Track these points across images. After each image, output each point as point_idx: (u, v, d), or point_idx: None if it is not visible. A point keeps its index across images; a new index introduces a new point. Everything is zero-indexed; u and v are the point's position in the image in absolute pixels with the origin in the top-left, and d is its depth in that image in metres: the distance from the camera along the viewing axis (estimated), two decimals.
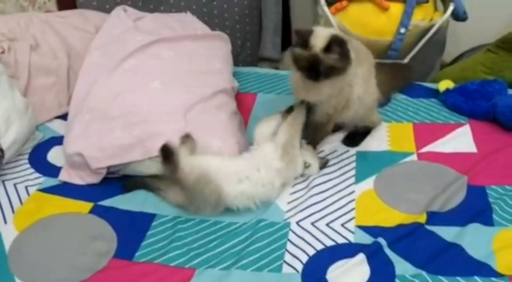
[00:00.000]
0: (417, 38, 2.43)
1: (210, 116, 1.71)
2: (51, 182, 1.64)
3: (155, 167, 1.59)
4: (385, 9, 2.33)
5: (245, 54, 2.73)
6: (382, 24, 2.36)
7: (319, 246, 1.40)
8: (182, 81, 1.80)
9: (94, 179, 1.62)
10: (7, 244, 1.40)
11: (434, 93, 2.08)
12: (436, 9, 2.49)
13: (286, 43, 2.95)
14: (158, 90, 1.75)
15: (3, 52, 1.89)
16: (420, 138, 1.81)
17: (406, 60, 2.47)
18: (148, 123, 1.64)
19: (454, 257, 1.34)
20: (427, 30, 2.40)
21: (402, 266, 1.32)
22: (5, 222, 1.47)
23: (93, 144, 1.63)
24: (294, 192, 1.57)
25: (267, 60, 2.84)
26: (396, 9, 2.32)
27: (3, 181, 1.62)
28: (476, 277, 1.28)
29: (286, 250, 1.39)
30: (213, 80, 1.88)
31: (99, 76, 1.78)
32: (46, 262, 1.35)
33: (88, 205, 1.54)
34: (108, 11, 2.18)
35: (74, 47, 2.05)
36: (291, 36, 2.96)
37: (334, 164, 1.70)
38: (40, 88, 1.94)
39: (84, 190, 1.60)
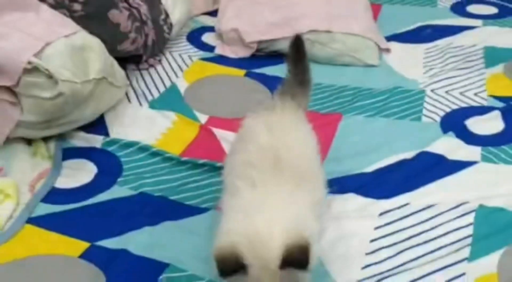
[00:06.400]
0: None
1: (351, 2, 1.90)
2: (209, 54, 1.90)
3: None
4: None
5: None
6: None
7: (455, 107, 1.56)
8: None
9: (245, 53, 1.87)
10: (181, 90, 1.68)
11: None
12: None
13: None
14: None
15: None
16: None
17: None
18: (295, 6, 1.86)
19: None
20: None
21: None
22: (177, 76, 1.75)
23: (247, 22, 1.87)
24: (430, 69, 1.74)
25: None
26: None
27: (170, 52, 1.90)
28: None
29: (424, 107, 1.56)
30: None
31: None
32: (217, 99, 1.62)
33: (242, 71, 1.79)
34: None
35: None
36: None
37: (461, 58, 1.83)
38: None
39: (237, 61, 1.85)
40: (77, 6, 1.45)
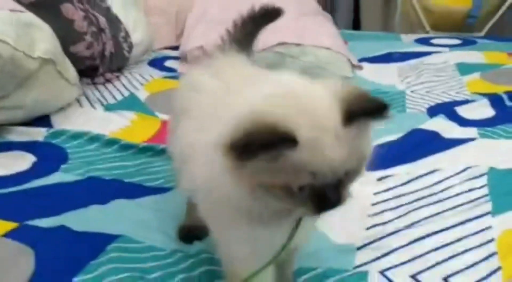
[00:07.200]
0: (493, 9, 2.58)
1: (320, 22, 1.87)
2: (172, 74, 1.77)
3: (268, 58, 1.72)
4: None
5: None
6: None
7: (439, 101, 1.45)
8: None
9: None
10: (142, 99, 1.51)
11: None
12: None
13: None
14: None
15: None
16: None
17: (483, 33, 2.61)
18: None
19: None
20: (503, 2, 2.56)
21: None
22: (137, 89, 1.59)
23: (214, 39, 1.77)
24: (406, 77, 1.67)
25: None
26: None
27: (130, 72, 1.75)
28: None
29: (407, 103, 1.45)
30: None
31: None
32: None
33: None
34: None
35: None
36: None
37: (435, 70, 1.78)
38: (154, 24, 2.15)
39: None
40: None
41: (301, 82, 0.58)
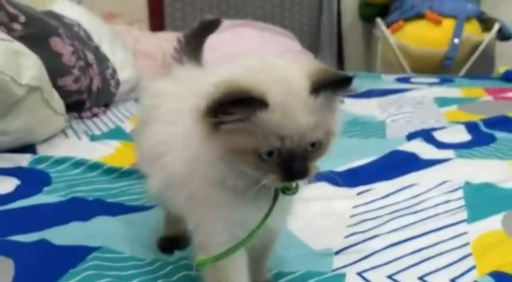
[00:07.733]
0: (469, 53, 2.69)
1: (300, 58, 1.94)
2: None
3: None
4: (438, 23, 2.64)
5: None
6: (437, 36, 2.65)
7: (418, 129, 1.48)
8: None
9: None
10: (127, 130, 1.53)
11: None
12: (483, 30, 2.78)
13: None
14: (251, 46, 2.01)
15: None
16: None
17: (461, 74, 2.70)
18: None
19: None
20: (477, 46, 2.68)
21: (501, 135, 1.40)
22: (123, 122, 1.62)
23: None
24: (386, 109, 1.71)
25: None
26: (449, 23, 2.63)
27: (116, 107, 1.78)
28: None
29: (387, 130, 1.49)
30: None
31: None
32: None
33: None
34: None
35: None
36: None
37: (414, 102, 1.84)
38: (141, 67, 2.21)
39: None
40: (17, 26, 1.38)
41: (274, 58, 0.64)
